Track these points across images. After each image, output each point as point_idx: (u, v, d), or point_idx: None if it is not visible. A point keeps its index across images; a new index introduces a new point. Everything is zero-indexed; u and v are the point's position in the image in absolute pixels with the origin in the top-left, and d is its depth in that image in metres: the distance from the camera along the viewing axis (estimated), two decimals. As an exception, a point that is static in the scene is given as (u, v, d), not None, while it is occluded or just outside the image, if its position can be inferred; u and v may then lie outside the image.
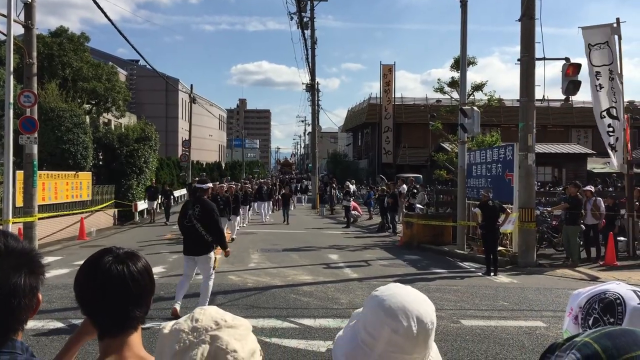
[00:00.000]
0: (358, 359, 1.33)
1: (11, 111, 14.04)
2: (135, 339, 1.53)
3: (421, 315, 1.31)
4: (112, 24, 15.61)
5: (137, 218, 25.00)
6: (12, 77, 14.19)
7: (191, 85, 41.41)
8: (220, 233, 8.32)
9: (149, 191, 25.06)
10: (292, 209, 32.70)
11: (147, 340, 4.18)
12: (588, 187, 14.88)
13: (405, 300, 1.33)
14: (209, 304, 8.44)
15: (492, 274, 11.94)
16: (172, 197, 26.24)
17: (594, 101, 14.29)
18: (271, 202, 28.58)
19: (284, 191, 28.41)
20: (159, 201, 26.18)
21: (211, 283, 8.25)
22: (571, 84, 13.05)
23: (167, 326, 1.27)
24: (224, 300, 9.15)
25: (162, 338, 1.25)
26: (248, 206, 23.10)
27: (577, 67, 13.23)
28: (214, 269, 8.36)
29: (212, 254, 8.21)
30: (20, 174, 15.19)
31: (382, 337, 1.30)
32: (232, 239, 16.57)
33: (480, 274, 12.25)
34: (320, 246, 16.55)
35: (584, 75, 13.51)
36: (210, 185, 9.05)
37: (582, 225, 13.74)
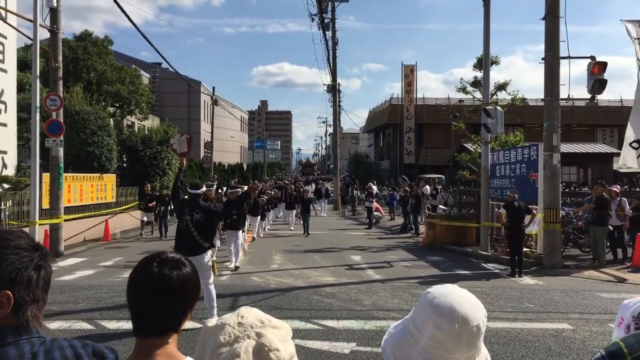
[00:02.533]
0: (403, 349, 1.41)
1: (37, 114, 14.29)
2: (167, 340, 1.54)
3: (467, 318, 1.36)
4: (136, 27, 15.76)
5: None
6: (38, 80, 14.44)
7: (213, 88, 41.68)
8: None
9: (145, 200, 20.24)
10: (323, 215, 29.97)
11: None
12: (614, 187, 14.63)
13: (454, 301, 1.40)
14: (229, 305, 8.39)
15: (516, 275, 11.81)
16: (169, 205, 19.47)
17: (636, 94, 13.85)
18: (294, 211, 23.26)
19: (304, 195, 22.72)
20: (156, 211, 20.31)
21: (212, 288, 7.69)
22: (597, 83, 12.83)
23: (212, 320, 1.30)
24: (247, 302, 9.17)
25: (206, 331, 1.28)
26: (260, 217, 18.35)
27: (603, 65, 13.00)
28: (213, 273, 7.79)
29: (208, 256, 7.67)
30: (46, 176, 15.44)
31: (426, 331, 1.37)
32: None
33: (505, 275, 12.12)
34: (342, 247, 16.52)
35: (609, 73, 13.29)
36: (204, 189, 8.14)
37: (609, 226, 13.53)
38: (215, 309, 7.56)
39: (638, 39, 13.44)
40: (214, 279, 8.00)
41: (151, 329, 1.53)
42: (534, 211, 12.93)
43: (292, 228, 22.44)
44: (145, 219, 20.21)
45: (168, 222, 19.44)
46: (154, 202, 19.91)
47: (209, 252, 7.73)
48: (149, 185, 21.05)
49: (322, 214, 29.96)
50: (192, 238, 7.46)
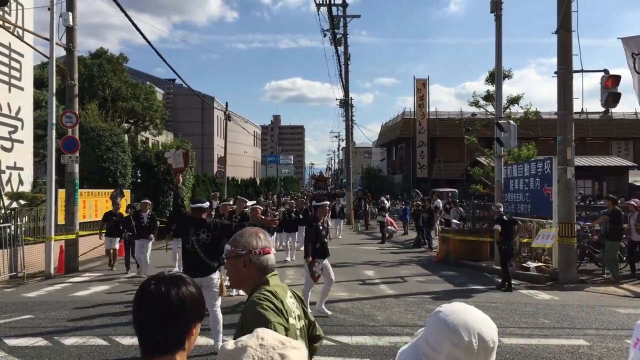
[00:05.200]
0: None
1: (54, 131, 14.48)
2: (174, 358, 1.56)
3: (483, 333, 1.37)
4: (150, 45, 15.98)
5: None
6: (54, 98, 14.65)
7: (226, 103, 42.05)
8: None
9: (109, 221, 14.76)
10: (340, 237, 24.16)
11: None
12: (632, 201, 14.48)
13: (468, 317, 1.40)
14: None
15: (504, 288, 12.02)
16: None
17: None
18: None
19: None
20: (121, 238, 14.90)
21: (219, 312, 7.21)
22: (611, 96, 12.78)
23: (230, 343, 1.31)
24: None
25: (226, 354, 1.28)
26: None
27: (617, 78, 12.96)
28: (220, 295, 7.27)
29: (217, 276, 7.20)
30: (62, 192, 15.60)
31: (443, 350, 1.36)
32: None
33: (522, 291, 12.00)
34: (355, 262, 16.46)
35: (623, 86, 13.23)
36: (207, 204, 7.57)
37: (621, 243, 13.43)
38: (221, 335, 7.09)
39: (638, 53, 13.34)
40: (220, 301, 7.44)
41: (155, 347, 1.56)
42: (520, 223, 13.00)
43: (292, 258, 16.71)
44: (111, 246, 15.00)
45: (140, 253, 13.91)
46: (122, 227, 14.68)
47: (218, 273, 7.28)
48: (119, 203, 15.53)
49: (339, 236, 24.47)
50: (199, 259, 7.04)
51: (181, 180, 8.28)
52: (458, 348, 1.34)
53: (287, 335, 2.12)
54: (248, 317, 2.19)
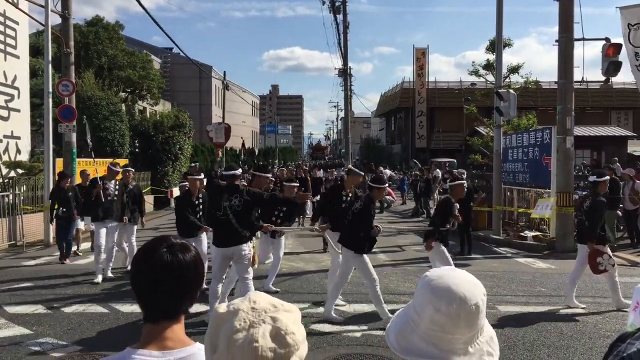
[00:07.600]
0: (405, 334, 1.41)
1: (50, 100, 14.37)
2: (177, 326, 1.56)
3: (465, 297, 1.34)
4: (147, 12, 15.76)
5: (173, 204, 24.93)
6: (50, 66, 14.50)
7: (224, 72, 41.76)
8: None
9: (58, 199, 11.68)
10: None
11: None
12: (626, 171, 14.49)
13: (451, 282, 1.38)
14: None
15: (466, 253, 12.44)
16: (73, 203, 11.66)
17: (636, 81, 13.85)
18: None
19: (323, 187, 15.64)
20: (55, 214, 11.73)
21: (251, 284, 6.92)
22: (612, 65, 12.67)
23: (222, 306, 1.30)
24: (258, 286, 9.19)
25: (218, 317, 1.28)
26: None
27: (618, 47, 12.83)
28: (252, 265, 7.05)
29: (248, 247, 7.00)
30: (59, 161, 15.55)
31: (425, 314, 1.36)
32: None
33: (519, 259, 12.08)
34: (353, 231, 16.50)
35: (624, 55, 13.11)
36: (240, 171, 7.34)
37: (618, 212, 13.47)
38: None
39: (634, 24, 13.12)
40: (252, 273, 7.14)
41: (165, 312, 1.55)
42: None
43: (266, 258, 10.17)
44: (84, 226, 12.50)
45: (73, 235, 11.83)
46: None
47: (249, 244, 7.09)
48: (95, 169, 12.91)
49: None
50: (231, 227, 6.88)
51: (220, 154, 7.99)
52: (439, 313, 1.34)
53: None
54: None
